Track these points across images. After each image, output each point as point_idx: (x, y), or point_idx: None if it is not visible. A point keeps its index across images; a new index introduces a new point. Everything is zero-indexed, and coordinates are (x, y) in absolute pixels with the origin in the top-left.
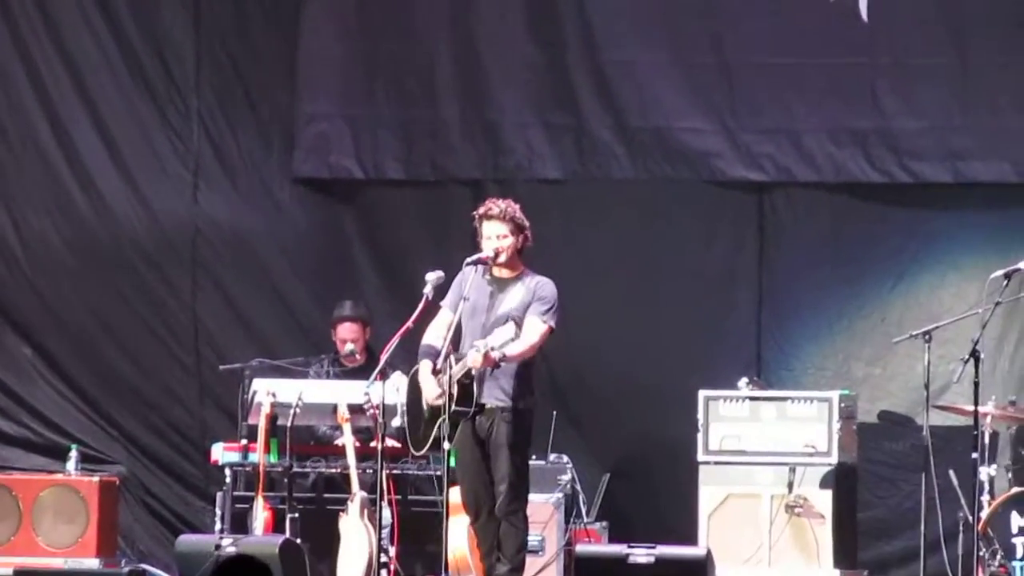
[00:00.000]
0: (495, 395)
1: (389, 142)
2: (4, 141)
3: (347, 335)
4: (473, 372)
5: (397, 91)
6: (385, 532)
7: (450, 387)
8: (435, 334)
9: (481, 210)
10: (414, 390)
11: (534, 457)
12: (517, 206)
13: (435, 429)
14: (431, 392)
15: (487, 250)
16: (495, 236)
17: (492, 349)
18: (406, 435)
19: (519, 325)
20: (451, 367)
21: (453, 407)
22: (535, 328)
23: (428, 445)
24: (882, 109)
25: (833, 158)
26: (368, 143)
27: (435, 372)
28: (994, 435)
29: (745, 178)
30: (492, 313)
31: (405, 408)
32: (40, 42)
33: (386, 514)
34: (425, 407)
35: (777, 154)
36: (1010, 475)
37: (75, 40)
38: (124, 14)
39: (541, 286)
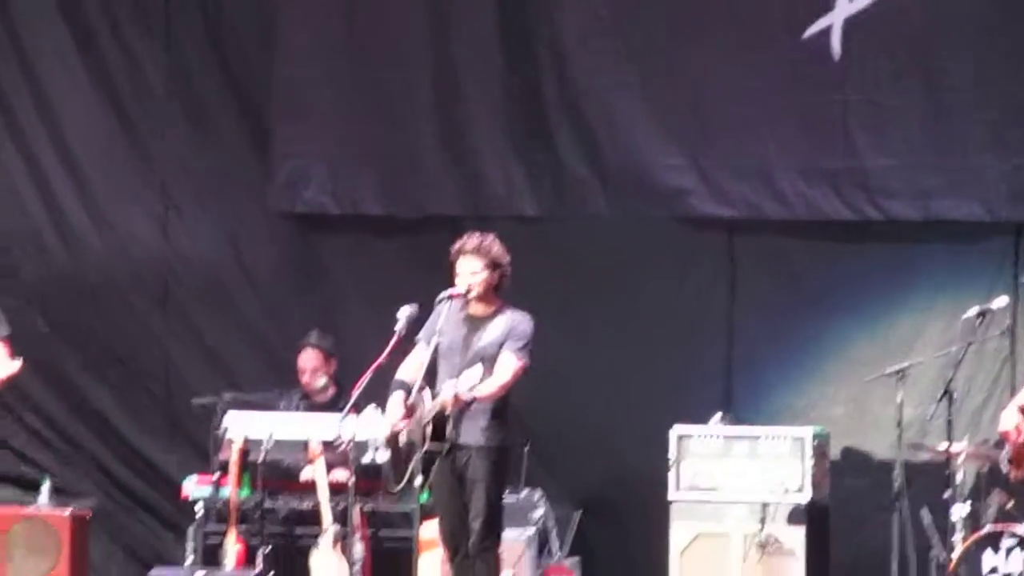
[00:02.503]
0: (471, 433)
1: (366, 178)
2: None
3: (306, 363)
4: (446, 412)
5: (375, 127)
6: (357, 567)
7: (424, 427)
8: (408, 369)
9: (456, 245)
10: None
11: (507, 492)
12: (493, 239)
13: (410, 465)
14: (393, 418)
15: (460, 286)
16: (468, 272)
17: (460, 393)
18: (389, 473)
19: (490, 364)
20: (425, 404)
21: (427, 446)
22: (508, 365)
23: (404, 481)
24: (853, 147)
25: (804, 195)
26: (345, 178)
27: (407, 407)
28: (967, 473)
29: (717, 215)
30: (467, 353)
31: (386, 445)
32: (8, 66)
33: (359, 549)
34: (401, 443)
35: (748, 191)
36: (984, 513)
37: (47, 68)
38: (96, 43)
39: (517, 323)
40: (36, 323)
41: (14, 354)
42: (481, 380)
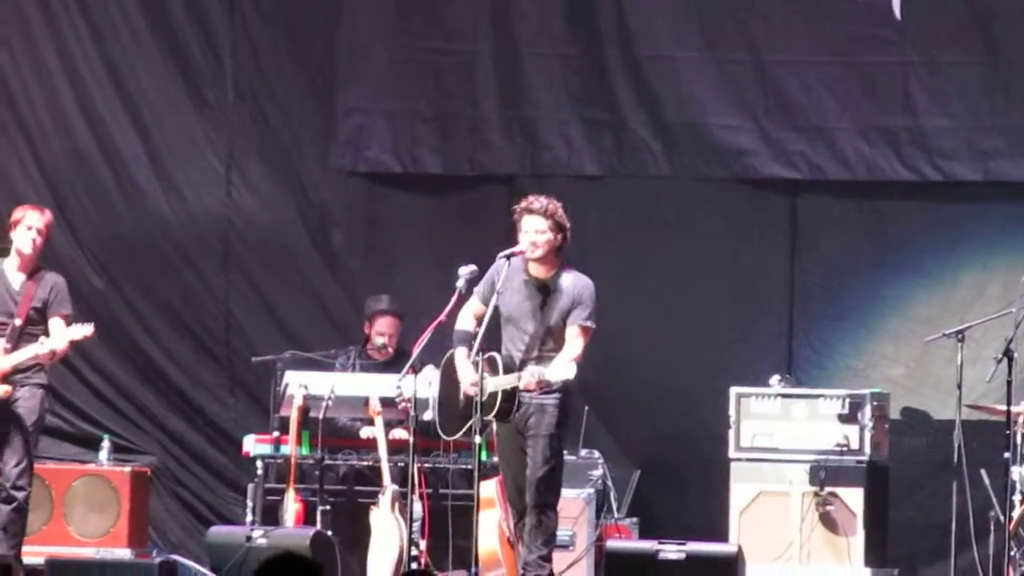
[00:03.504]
0: (537, 392)
1: (426, 137)
2: (39, 129)
3: (385, 329)
4: (520, 391)
5: (435, 86)
6: (416, 526)
7: (482, 390)
8: (466, 321)
9: (523, 204)
10: (448, 375)
11: (566, 453)
12: (560, 205)
13: (468, 421)
14: (467, 379)
15: (523, 244)
16: (533, 230)
17: (543, 380)
18: (435, 421)
19: (558, 334)
20: (483, 367)
21: (493, 414)
22: (578, 337)
23: (461, 431)
24: (913, 108)
25: (865, 157)
26: (406, 137)
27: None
28: None
29: (778, 175)
30: (529, 322)
31: (438, 393)
32: (77, 32)
33: (417, 508)
34: (462, 396)
35: (810, 152)
36: None
37: (111, 30)
38: (164, 4)
39: (581, 290)
40: (92, 280)
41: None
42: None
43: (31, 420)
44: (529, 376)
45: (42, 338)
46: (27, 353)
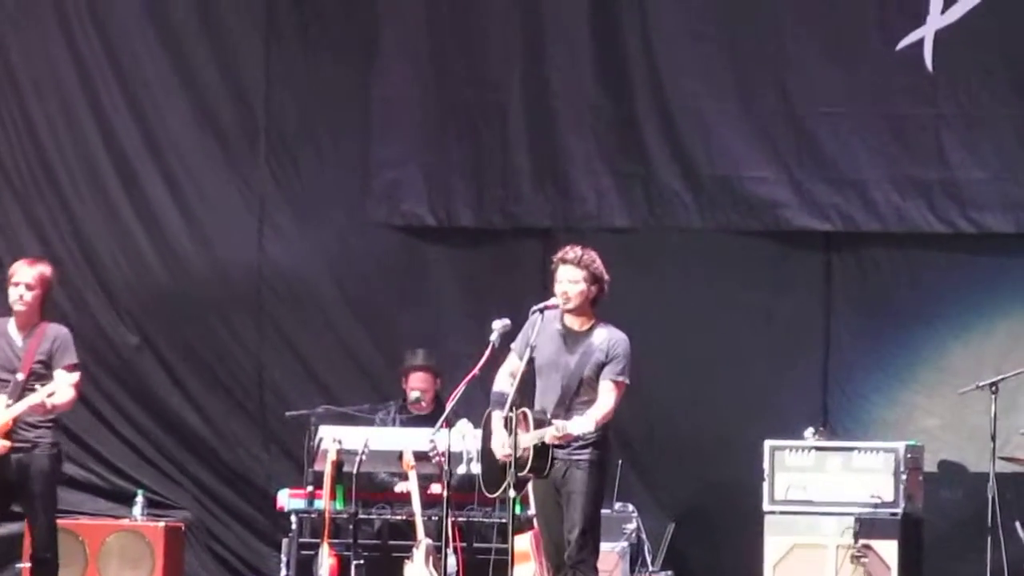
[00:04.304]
0: (571, 447)
1: (461, 190)
2: (72, 184)
3: (419, 384)
4: (549, 444)
5: (469, 139)
6: None
7: (516, 446)
8: (503, 381)
9: (559, 254)
10: (487, 434)
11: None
12: (596, 256)
13: (507, 477)
14: (499, 443)
15: (557, 293)
16: (567, 280)
17: (570, 433)
18: (479, 479)
19: (588, 386)
20: (518, 424)
21: (527, 470)
22: (610, 392)
23: (501, 490)
24: (946, 159)
25: (897, 208)
26: (440, 190)
27: (505, 421)
28: None
29: (811, 227)
30: (561, 373)
31: (480, 451)
32: (108, 86)
33: (452, 561)
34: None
35: (842, 203)
36: None
37: (143, 84)
38: (195, 57)
39: (615, 344)
40: (126, 337)
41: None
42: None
43: (47, 482)
44: (554, 431)
45: (37, 385)
46: (25, 404)
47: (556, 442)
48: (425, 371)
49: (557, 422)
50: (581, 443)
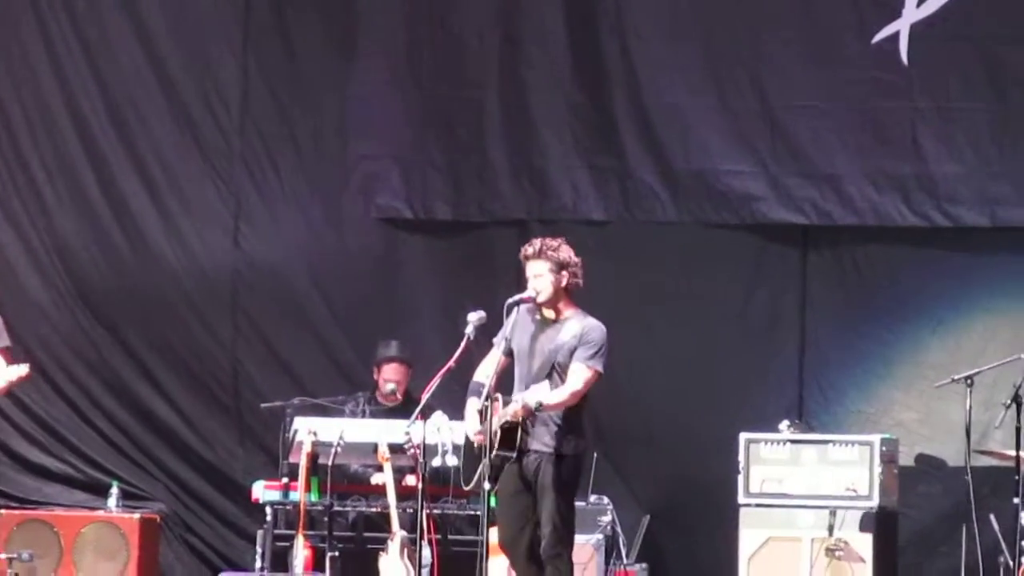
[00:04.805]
0: (543, 440)
1: (437, 183)
2: (48, 181)
3: (392, 376)
4: (516, 421)
5: (446, 134)
6: (425, 572)
7: (491, 433)
8: (483, 372)
9: (523, 251)
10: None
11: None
12: (560, 243)
13: (479, 467)
14: (471, 428)
15: (529, 290)
16: (533, 276)
17: (528, 404)
18: (459, 471)
19: (560, 371)
20: (492, 410)
21: (496, 452)
22: (579, 374)
23: (474, 483)
24: (922, 153)
25: (873, 202)
26: (417, 184)
27: (479, 413)
28: None
29: (786, 221)
30: (537, 357)
31: (464, 445)
32: (84, 83)
33: (426, 553)
34: (475, 445)
35: (818, 197)
36: None
37: (120, 81)
38: (169, 54)
39: (589, 330)
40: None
41: (13, 362)
42: (551, 390)
43: None
44: (515, 406)
45: None
46: None
47: (520, 417)
48: (399, 362)
49: (516, 394)
50: (553, 435)
